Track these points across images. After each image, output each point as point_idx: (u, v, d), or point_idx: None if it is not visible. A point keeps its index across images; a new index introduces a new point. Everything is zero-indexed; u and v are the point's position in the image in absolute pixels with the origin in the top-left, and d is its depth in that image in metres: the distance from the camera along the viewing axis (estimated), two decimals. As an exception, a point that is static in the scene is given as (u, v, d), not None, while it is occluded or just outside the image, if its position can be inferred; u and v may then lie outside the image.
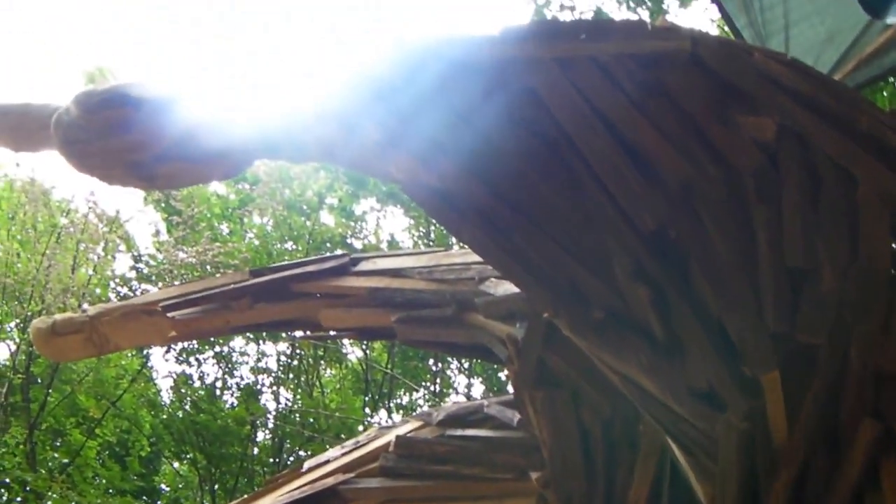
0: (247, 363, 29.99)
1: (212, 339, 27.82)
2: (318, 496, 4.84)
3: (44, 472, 27.03)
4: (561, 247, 3.40)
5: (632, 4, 24.59)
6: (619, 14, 24.31)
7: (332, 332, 5.34)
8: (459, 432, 4.77)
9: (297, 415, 28.35)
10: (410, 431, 4.87)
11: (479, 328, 4.49)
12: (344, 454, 5.02)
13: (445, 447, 4.76)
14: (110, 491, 29.47)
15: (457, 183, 3.37)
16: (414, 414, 5.83)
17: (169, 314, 5.00)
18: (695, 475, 3.68)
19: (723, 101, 3.22)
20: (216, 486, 29.15)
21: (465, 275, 4.54)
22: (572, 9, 24.92)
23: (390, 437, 4.90)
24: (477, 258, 4.46)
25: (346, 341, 29.14)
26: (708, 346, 3.32)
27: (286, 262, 5.65)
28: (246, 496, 4.98)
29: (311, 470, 5.04)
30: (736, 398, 3.34)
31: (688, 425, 3.51)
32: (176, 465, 34.23)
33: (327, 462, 5.04)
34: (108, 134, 3.40)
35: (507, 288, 4.29)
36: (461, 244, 4.56)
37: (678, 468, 4.03)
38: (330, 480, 4.88)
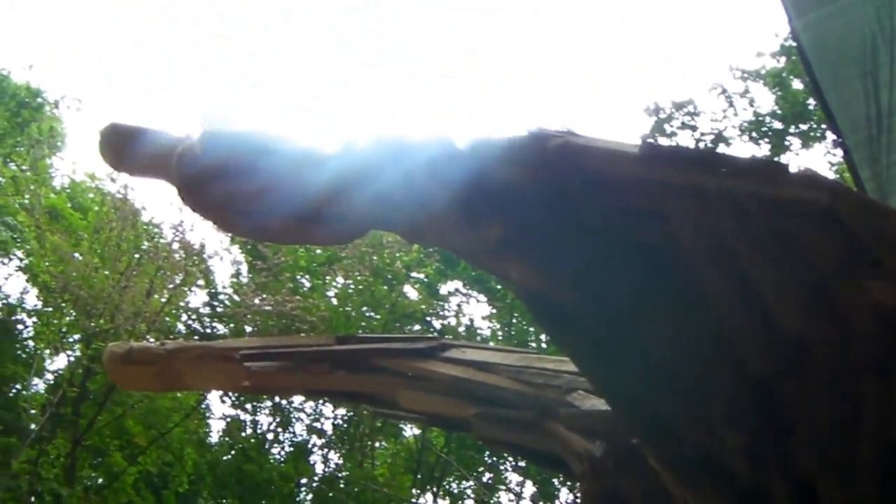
0: (302, 420, 29.99)
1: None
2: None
3: (80, 489, 27.10)
4: (662, 378, 3.34)
5: (754, 135, 24.64)
6: (740, 142, 24.35)
7: (406, 414, 5.30)
8: (516, 539, 4.69)
9: (344, 482, 28.24)
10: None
11: (557, 438, 4.42)
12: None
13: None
14: (142, 523, 29.41)
15: (570, 297, 3.32)
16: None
17: (246, 364, 5.00)
18: None
19: (853, 260, 3.14)
20: (249, 538, 29.06)
21: (553, 382, 4.48)
22: (693, 128, 25.05)
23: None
24: (569, 368, 4.40)
25: (405, 417, 29.09)
26: (795, 505, 3.24)
27: (374, 335, 5.64)
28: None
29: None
30: (815, 564, 3.25)
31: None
32: (211, 507, 34.17)
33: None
34: (232, 179, 3.40)
35: (594, 403, 4.23)
36: (558, 353, 4.49)
37: None
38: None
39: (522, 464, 27.58)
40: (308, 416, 29.68)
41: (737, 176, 3.08)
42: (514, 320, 27.74)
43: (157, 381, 5.17)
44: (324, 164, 3.38)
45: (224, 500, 31.21)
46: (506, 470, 28.82)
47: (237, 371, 5.02)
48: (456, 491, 29.53)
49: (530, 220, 3.25)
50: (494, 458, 28.07)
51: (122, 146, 3.63)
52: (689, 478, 3.40)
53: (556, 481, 26.88)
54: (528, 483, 27.75)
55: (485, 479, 28.79)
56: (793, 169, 3.13)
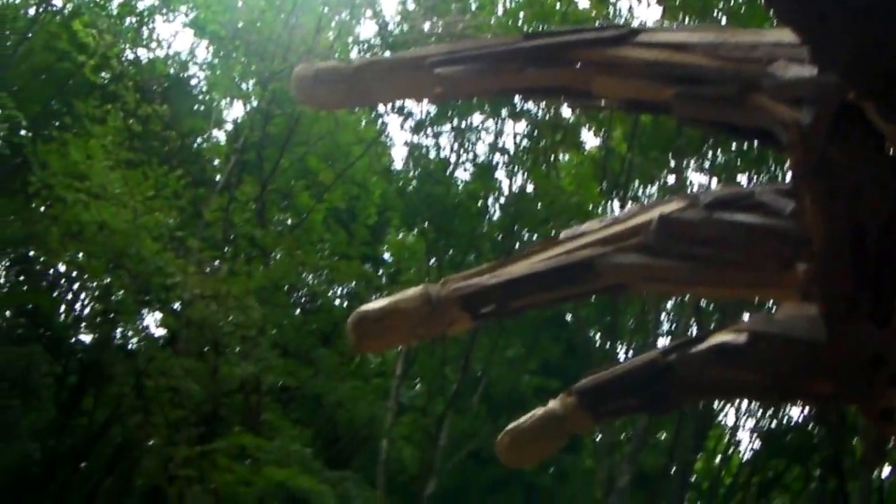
0: (483, 140, 30.15)
1: (452, 110, 28.00)
2: (572, 267, 4.79)
3: (271, 231, 27.86)
4: (888, 25, 3.14)
5: None
6: None
7: (602, 102, 5.22)
8: (727, 216, 4.62)
9: (531, 195, 28.47)
10: (674, 211, 4.74)
11: (761, 110, 4.29)
12: (602, 227, 4.93)
13: (710, 230, 4.63)
14: (334, 256, 30.17)
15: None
16: (679, 194, 5.67)
17: (436, 71, 4.93)
18: None
19: None
20: (442, 260, 29.69)
21: (752, 54, 4.31)
22: None
23: (652, 214, 4.78)
24: (767, 38, 4.23)
25: (584, 128, 29.03)
26: None
27: (562, 28, 5.48)
28: (500, 259, 4.96)
29: (567, 240, 4.98)
30: None
31: None
32: (401, 235, 34.88)
33: (584, 234, 4.97)
34: None
35: (798, 71, 4.07)
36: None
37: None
38: (586, 252, 4.81)
39: (707, 164, 27.40)
40: (489, 134, 29.83)
41: None
42: (686, 19, 27.03)
43: (348, 97, 5.15)
44: None
45: (415, 226, 31.83)
46: (689, 171, 28.68)
47: (427, 79, 4.97)
48: (641, 195, 29.55)
49: None
50: (677, 161, 27.90)
51: None
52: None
53: (741, 178, 26.66)
54: (714, 182, 27.57)
55: (669, 182, 28.69)
56: None
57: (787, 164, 4.39)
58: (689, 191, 27.59)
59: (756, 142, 4.91)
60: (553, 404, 5.10)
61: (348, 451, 35.14)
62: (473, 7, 28.30)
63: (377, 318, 4.55)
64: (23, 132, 28.76)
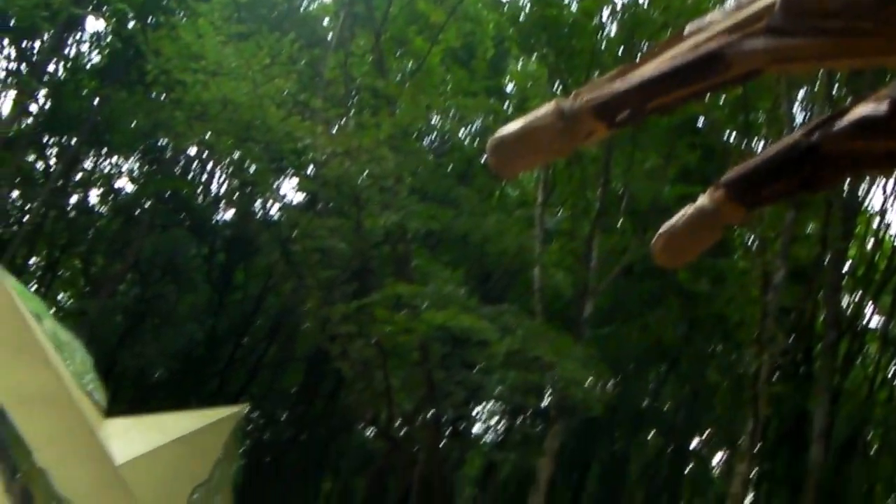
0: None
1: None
2: (702, 60, 4.74)
3: (392, 81, 27.88)
4: None
5: None
6: None
7: None
8: (850, -14, 4.52)
9: (646, 4, 28.01)
10: (798, -12, 4.65)
11: None
12: (726, 16, 4.86)
13: (835, 1, 4.54)
14: (458, 95, 30.14)
15: None
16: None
17: None
18: None
19: None
20: (566, 82, 29.46)
21: None
22: None
23: (775, -5, 4.70)
24: None
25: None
26: None
27: None
28: (626, 65, 4.92)
29: (692, 34, 4.92)
30: None
31: None
32: (521, 64, 34.65)
33: (709, 26, 4.90)
34: None
35: None
36: None
37: None
38: (714, 43, 4.75)
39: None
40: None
41: None
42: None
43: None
44: None
45: (534, 52, 31.58)
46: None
47: None
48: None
49: None
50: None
51: None
52: None
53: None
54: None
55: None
56: None
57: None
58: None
59: None
60: (702, 200, 5.09)
61: (502, 284, 35.60)
62: None
63: (514, 139, 4.56)
64: (131, 24, 29.13)
